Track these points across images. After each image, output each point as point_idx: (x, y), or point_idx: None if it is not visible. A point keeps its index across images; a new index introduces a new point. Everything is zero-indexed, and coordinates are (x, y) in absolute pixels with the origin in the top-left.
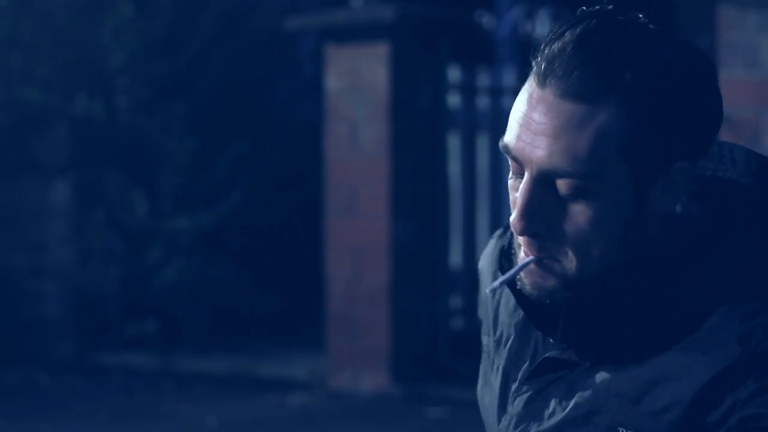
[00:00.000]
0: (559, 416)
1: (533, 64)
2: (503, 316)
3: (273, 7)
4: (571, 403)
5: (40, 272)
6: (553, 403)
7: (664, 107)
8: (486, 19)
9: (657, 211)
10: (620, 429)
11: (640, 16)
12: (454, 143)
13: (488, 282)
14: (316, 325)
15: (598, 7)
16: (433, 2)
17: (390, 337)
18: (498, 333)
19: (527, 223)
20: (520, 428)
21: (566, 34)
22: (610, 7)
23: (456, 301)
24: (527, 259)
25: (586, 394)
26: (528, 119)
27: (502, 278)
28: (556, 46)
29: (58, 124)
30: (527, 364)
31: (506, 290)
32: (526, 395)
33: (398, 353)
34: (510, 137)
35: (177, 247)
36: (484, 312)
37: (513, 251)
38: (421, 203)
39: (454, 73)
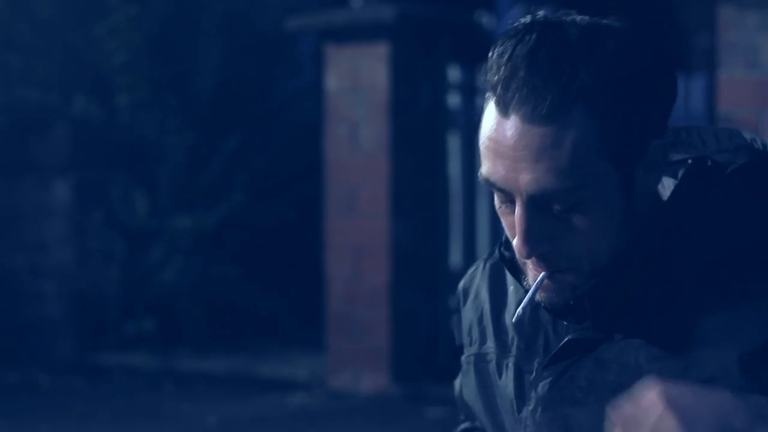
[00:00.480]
0: (599, 391)
1: (488, 89)
2: (507, 319)
3: (273, 7)
4: (610, 378)
5: (40, 272)
6: (584, 382)
7: (627, 96)
8: (486, 19)
9: (644, 191)
10: None
11: (573, 12)
12: (454, 143)
13: (478, 302)
14: (316, 325)
15: (530, 17)
16: (433, 2)
17: (390, 337)
18: (505, 335)
19: (532, 246)
20: (551, 411)
21: (513, 55)
22: (541, 13)
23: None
24: (541, 276)
25: (628, 366)
26: (502, 148)
27: (522, 305)
28: (506, 69)
29: (57, 125)
30: (541, 354)
31: (508, 299)
32: (548, 380)
33: (398, 353)
34: (488, 169)
35: (177, 246)
36: (473, 326)
37: (516, 267)
38: (421, 203)
39: (454, 73)
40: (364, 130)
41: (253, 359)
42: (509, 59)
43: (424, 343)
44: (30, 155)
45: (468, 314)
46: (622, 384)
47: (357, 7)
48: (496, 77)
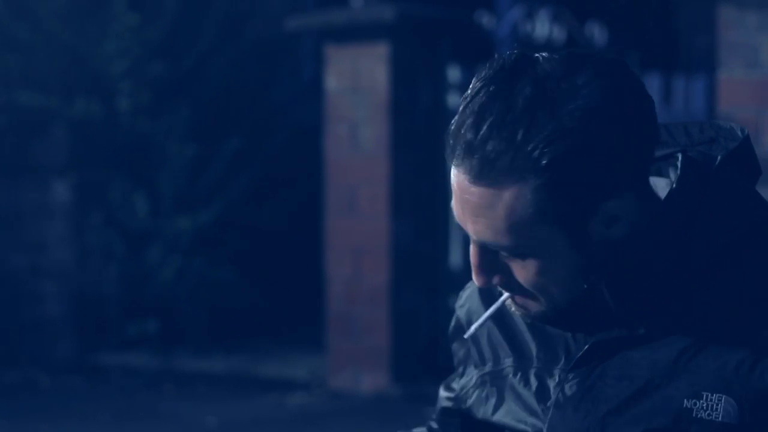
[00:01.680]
0: (636, 385)
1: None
2: (521, 331)
3: (273, 8)
4: (640, 376)
5: (40, 272)
6: (612, 381)
7: (579, 163)
8: (486, 19)
9: (608, 239)
10: (704, 393)
11: (542, 56)
12: None
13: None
14: (316, 325)
15: (497, 63)
16: (433, 2)
17: (390, 337)
18: (523, 347)
19: (484, 279)
20: (583, 410)
21: (464, 110)
22: (506, 57)
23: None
24: (501, 298)
25: (660, 364)
26: (456, 195)
27: (482, 317)
28: (457, 121)
29: (57, 125)
30: (563, 359)
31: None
32: (574, 381)
33: (398, 353)
34: (453, 206)
35: (177, 247)
36: (484, 346)
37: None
38: (421, 203)
39: (454, 73)
40: (364, 130)
41: (253, 359)
42: (462, 113)
43: (424, 343)
44: (30, 156)
45: (478, 335)
46: (654, 381)
47: (357, 7)
48: (451, 126)
